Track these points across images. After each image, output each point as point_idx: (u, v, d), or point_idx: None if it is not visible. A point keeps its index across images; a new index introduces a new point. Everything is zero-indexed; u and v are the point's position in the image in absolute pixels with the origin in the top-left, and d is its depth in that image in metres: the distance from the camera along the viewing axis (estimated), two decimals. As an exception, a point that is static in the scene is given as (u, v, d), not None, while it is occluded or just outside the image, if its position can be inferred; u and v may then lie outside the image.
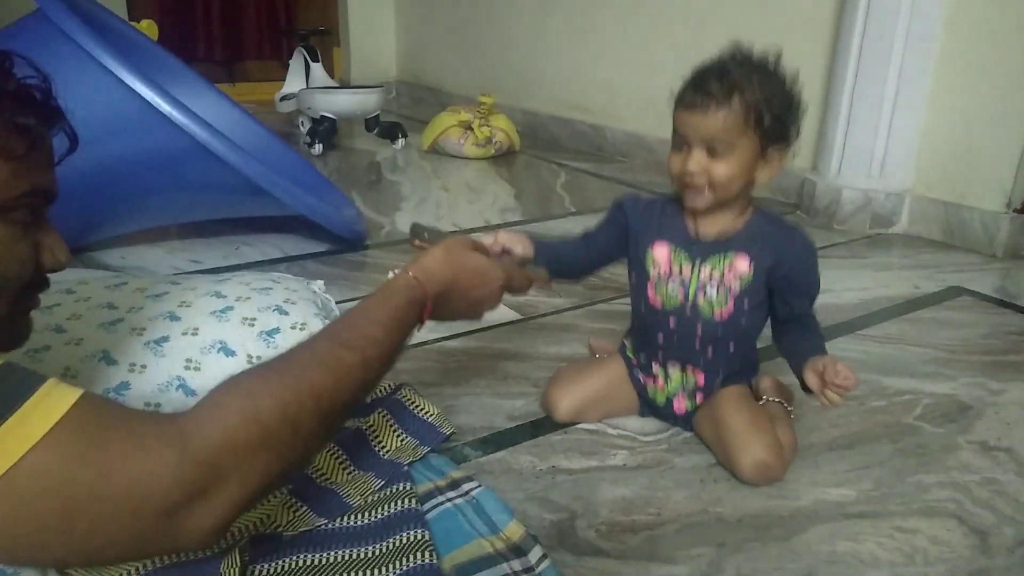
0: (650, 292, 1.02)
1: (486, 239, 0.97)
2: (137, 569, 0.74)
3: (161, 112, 1.39)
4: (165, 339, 0.95)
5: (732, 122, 0.90)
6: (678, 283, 1.00)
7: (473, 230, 2.02)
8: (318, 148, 2.78)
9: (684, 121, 0.93)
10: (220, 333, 0.97)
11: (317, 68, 3.29)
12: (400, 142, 2.99)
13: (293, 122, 3.14)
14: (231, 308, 1.01)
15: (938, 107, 1.92)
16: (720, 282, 0.98)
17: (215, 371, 0.94)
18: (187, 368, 0.93)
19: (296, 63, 3.36)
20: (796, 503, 0.92)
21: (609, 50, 2.89)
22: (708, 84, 0.91)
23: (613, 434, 1.06)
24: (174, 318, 0.97)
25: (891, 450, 1.04)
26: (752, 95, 0.90)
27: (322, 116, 2.82)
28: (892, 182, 2.00)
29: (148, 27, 2.56)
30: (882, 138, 1.95)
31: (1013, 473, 0.99)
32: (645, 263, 1.02)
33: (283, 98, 3.32)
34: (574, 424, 1.07)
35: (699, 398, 1.04)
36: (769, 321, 1.04)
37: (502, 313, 1.45)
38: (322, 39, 3.88)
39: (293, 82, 3.33)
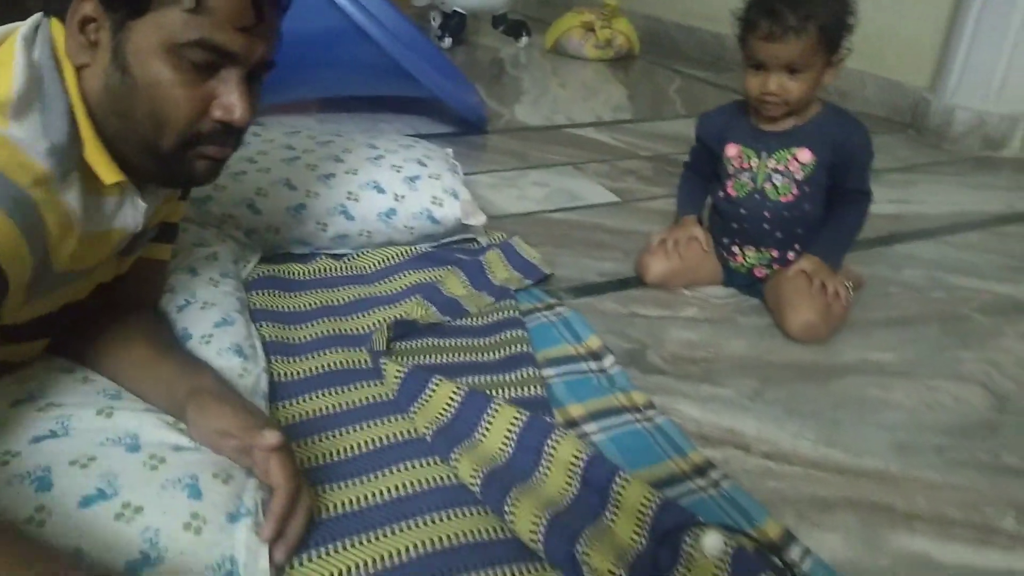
0: (728, 185, 1.18)
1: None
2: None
3: (325, -6, 1.59)
4: (332, 175, 1.19)
5: (809, 47, 1.03)
6: (748, 175, 1.16)
7: (584, 125, 2.17)
8: (448, 41, 2.96)
9: (762, 49, 1.05)
10: (374, 175, 1.20)
11: (451, -36, 3.42)
12: (523, 40, 3.12)
13: (424, 16, 3.31)
14: (383, 156, 1.24)
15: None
16: (785, 171, 1.13)
17: (369, 204, 1.18)
18: (348, 199, 1.17)
19: (432, -41, 3.49)
20: (840, 359, 1.08)
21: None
22: (783, 15, 1.01)
23: (688, 295, 1.24)
24: (338, 160, 1.21)
25: (938, 330, 1.16)
26: (825, 17, 1.01)
27: (454, 11, 2.98)
28: (1008, 105, 1.99)
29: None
30: (1004, 59, 1.93)
31: (1048, 359, 1.10)
32: (723, 162, 1.19)
33: (417, -8, 3.49)
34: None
35: (776, 267, 1.19)
36: None
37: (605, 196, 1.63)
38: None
39: (428, -23, 3.47)
